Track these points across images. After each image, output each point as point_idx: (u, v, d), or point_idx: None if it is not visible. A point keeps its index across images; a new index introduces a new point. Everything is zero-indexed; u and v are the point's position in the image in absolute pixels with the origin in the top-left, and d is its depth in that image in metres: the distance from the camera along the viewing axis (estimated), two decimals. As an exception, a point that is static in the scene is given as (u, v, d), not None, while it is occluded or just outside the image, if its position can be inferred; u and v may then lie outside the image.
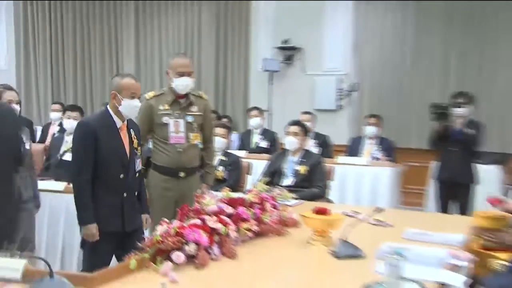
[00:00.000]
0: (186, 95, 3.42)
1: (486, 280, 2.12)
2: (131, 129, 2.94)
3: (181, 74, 3.31)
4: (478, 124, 4.87)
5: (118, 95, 2.82)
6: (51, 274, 1.74)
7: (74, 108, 4.97)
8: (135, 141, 2.93)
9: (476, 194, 4.79)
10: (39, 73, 8.71)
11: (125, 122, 2.90)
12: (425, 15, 6.57)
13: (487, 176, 5.57)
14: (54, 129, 5.99)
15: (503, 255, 2.56)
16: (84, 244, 2.88)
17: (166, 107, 3.35)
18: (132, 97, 2.84)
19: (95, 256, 2.81)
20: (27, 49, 8.74)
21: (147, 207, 3.07)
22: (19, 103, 3.35)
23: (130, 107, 2.85)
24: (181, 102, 3.40)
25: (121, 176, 2.83)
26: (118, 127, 2.86)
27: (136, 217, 2.93)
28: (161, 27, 7.99)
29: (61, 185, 3.82)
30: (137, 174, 2.96)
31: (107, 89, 8.27)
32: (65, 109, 5.12)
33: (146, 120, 3.36)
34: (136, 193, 2.97)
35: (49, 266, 1.76)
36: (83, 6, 8.40)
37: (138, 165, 2.96)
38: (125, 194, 2.86)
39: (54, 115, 6.11)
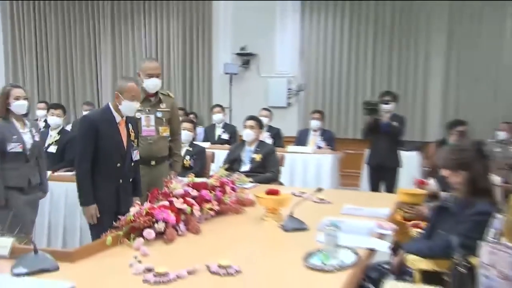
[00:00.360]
0: (155, 94, 3.36)
1: (406, 245, 2.21)
2: (130, 124, 2.89)
3: (150, 76, 3.26)
4: (401, 118, 5.00)
5: (120, 95, 2.77)
6: (35, 250, 1.70)
7: (57, 106, 4.80)
8: (132, 134, 2.89)
9: (400, 175, 4.93)
10: (26, 75, 8.33)
11: (124, 117, 2.84)
12: (358, 28, 6.67)
13: (409, 161, 5.75)
14: (40, 125, 5.78)
15: (419, 224, 2.67)
16: (91, 224, 2.85)
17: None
18: (132, 99, 2.79)
19: (101, 232, 2.76)
20: (15, 52, 8.34)
21: (140, 191, 2.99)
22: (27, 99, 3.22)
23: (130, 107, 2.81)
24: (151, 100, 3.35)
25: (118, 165, 2.79)
26: (117, 122, 2.81)
27: (129, 200, 2.83)
28: (134, 33, 7.79)
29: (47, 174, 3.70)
30: (132, 163, 2.92)
31: (88, 88, 8.06)
32: (49, 107, 4.93)
33: None
34: (130, 180, 2.92)
35: (33, 243, 1.72)
36: (64, 11, 8.05)
37: (136, 155, 2.92)
38: (120, 181, 2.82)
39: (40, 113, 5.87)
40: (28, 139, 3.16)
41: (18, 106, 3.13)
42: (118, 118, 2.81)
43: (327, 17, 6.79)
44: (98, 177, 2.76)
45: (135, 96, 2.81)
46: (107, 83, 7.98)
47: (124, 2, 7.78)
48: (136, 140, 2.94)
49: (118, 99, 2.79)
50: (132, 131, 2.89)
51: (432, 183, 3.16)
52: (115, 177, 2.81)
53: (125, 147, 2.83)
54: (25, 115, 3.30)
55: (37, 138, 3.27)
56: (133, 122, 2.96)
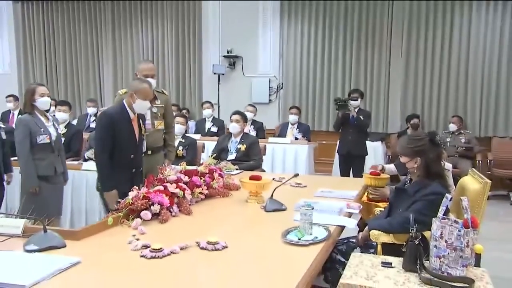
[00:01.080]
0: None
1: (370, 222, 2.24)
2: (140, 119, 2.87)
3: (146, 76, 3.21)
4: (367, 112, 5.06)
5: (134, 95, 2.73)
6: (45, 229, 1.69)
7: (63, 103, 4.73)
8: (143, 128, 2.88)
9: (366, 162, 5.00)
10: (36, 75, 8.16)
11: (136, 114, 2.81)
12: (330, 33, 6.67)
13: (374, 150, 5.85)
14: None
15: (382, 204, 2.71)
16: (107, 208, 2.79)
17: None
18: (145, 99, 2.77)
19: None
20: (26, 54, 8.17)
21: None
22: (49, 96, 3.19)
23: (142, 106, 2.78)
24: (147, 97, 3.30)
25: (132, 156, 2.76)
26: (131, 118, 2.77)
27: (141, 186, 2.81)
28: (133, 37, 7.67)
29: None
30: (142, 155, 2.92)
31: (91, 87, 7.93)
32: (56, 104, 4.85)
33: None
34: (141, 169, 2.90)
35: (43, 224, 1.70)
36: (70, 18, 7.89)
37: (144, 147, 2.93)
38: (133, 170, 2.79)
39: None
40: (52, 131, 3.16)
41: (43, 102, 3.11)
42: (131, 115, 2.78)
43: (303, 22, 6.78)
44: (115, 168, 2.70)
45: (147, 96, 2.79)
46: (109, 82, 7.87)
47: (124, 9, 7.65)
48: (144, 134, 2.93)
49: (132, 98, 2.74)
50: (142, 125, 2.88)
51: (390, 167, 3.20)
52: (129, 166, 2.78)
53: (137, 140, 2.82)
54: (47, 110, 3.26)
55: (59, 131, 3.27)
56: (142, 117, 2.94)
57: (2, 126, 3.51)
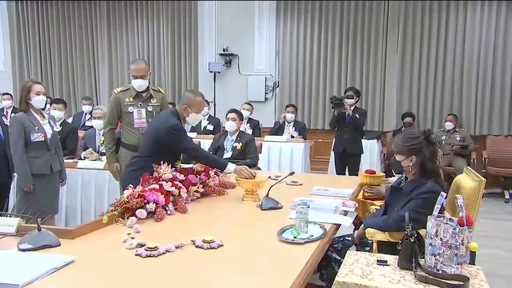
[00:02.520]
0: (147, 90, 3.30)
1: (365, 220, 2.24)
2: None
3: (135, 77, 3.20)
4: (362, 110, 5.06)
5: (188, 108, 2.71)
6: (39, 228, 1.67)
7: (59, 101, 4.70)
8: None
9: (362, 160, 5.01)
10: (31, 73, 8.09)
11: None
12: (326, 31, 6.67)
13: (370, 148, 5.86)
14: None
15: (377, 202, 2.71)
16: None
17: (131, 99, 3.23)
18: (198, 112, 2.76)
19: None
20: (20, 51, 8.10)
21: None
22: (45, 94, 3.13)
23: (196, 119, 2.79)
24: (143, 95, 3.28)
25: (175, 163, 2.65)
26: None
27: None
28: (128, 35, 7.62)
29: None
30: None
31: (87, 85, 7.88)
32: (52, 102, 4.82)
33: (115, 110, 3.23)
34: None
35: (37, 222, 1.69)
36: (65, 16, 7.83)
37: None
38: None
39: (44, 107, 5.72)
40: (48, 130, 3.12)
41: (38, 101, 3.07)
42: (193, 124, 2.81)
43: (299, 21, 6.77)
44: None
45: (201, 109, 2.78)
46: (104, 80, 7.83)
47: (119, 7, 7.61)
48: None
49: (186, 111, 2.71)
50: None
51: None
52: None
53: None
54: (43, 108, 3.22)
55: (55, 129, 3.24)
56: None
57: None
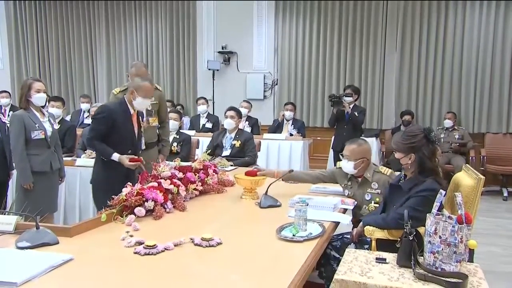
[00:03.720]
0: None
1: (364, 218, 2.24)
2: (140, 116, 2.88)
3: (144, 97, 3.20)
4: (361, 108, 5.06)
5: (135, 92, 2.74)
6: (37, 226, 1.67)
7: (57, 99, 4.69)
8: (142, 125, 2.89)
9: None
10: (29, 71, 8.05)
11: (136, 110, 2.83)
12: (325, 28, 6.65)
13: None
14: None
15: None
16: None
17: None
18: (145, 97, 2.77)
19: None
20: (18, 49, 8.06)
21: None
22: (45, 92, 3.12)
23: (142, 103, 2.80)
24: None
25: (129, 151, 2.74)
26: (131, 113, 2.78)
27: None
28: (127, 33, 7.59)
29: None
30: (140, 151, 2.91)
31: (85, 83, 7.86)
32: (50, 99, 4.81)
33: None
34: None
35: (35, 220, 1.68)
36: (63, 14, 7.80)
37: (142, 143, 2.91)
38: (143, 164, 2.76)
39: (42, 104, 5.70)
40: (48, 127, 3.11)
41: (38, 98, 3.05)
42: (131, 111, 2.78)
43: (298, 18, 6.76)
44: (112, 162, 2.69)
45: (148, 94, 2.79)
46: (103, 78, 7.80)
47: (117, 5, 7.58)
48: (142, 131, 2.93)
49: (132, 95, 2.75)
50: (142, 122, 2.89)
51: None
52: None
53: (136, 137, 2.82)
54: (43, 106, 3.21)
55: (55, 127, 3.23)
56: (141, 114, 2.94)
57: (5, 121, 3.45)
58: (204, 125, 6.05)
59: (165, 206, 2.13)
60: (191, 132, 5.27)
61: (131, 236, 1.74)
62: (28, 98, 3.04)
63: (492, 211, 4.92)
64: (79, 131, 4.64)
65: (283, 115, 5.78)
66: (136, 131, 2.82)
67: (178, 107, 6.54)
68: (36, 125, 3.03)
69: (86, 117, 5.98)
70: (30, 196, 2.99)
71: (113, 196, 2.06)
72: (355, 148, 2.52)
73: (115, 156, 2.66)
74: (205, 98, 6.34)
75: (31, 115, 3.03)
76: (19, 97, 3.10)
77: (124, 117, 2.75)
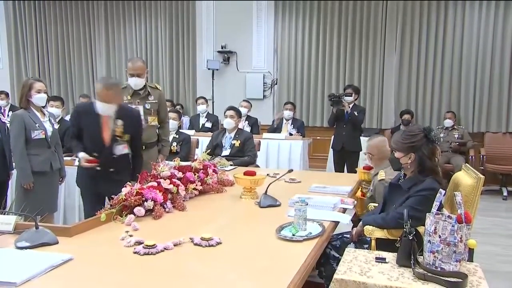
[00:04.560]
0: (144, 88, 3.30)
1: (364, 217, 2.25)
2: (119, 120, 2.67)
3: (131, 75, 3.20)
4: (361, 108, 5.06)
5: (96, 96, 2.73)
6: (36, 226, 1.67)
7: (56, 98, 4.68)
8: (119, 130, 2.66)
9: (361, 158, 5.00)
10: (28, 70, 8.06)
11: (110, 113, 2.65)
12: (325, 28, 6.65)
13: (369, 145, 5.83)
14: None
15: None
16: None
17: (128, 97, 3.23)
18: (102, 101, 2.63)
19: (86, 210, 2.90)
20: (18, 49, 8.06)
21: (135, 177, 2.49)
22: (46, 92, 3.11)
23: (103, 108, 2.64)
24: (140, 93, 3.28)
25: (95, 154, 2.68)
26: (98, 115, 2.66)
27: (112, 185, 2.32)
28: (126, 33, 7.59)
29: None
30: (115, 156, 2.70)
31: (84, 82, 7.86)
32: (49, 99, 4.80)
33: None
34: (112, 169, 2.70)
35: (35, 220, 1.68)
36: (63, 13, 7.80)
37: (122, 150, 2.72)
38: (98, 168, 2.67)
39: (41, 104, 5.69)
40: (48, 127, 3.10)
41: (39, 98, 3.05)
42: (100, 112, 2.65)
43: (298, 18, 6.76)
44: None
45: (104, 99, 2.62)
46: (102, 78, 7.82)
47: (117, 4, 7.58)
48: (125, 136, 2.71)
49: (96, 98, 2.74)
50: (122, 126, 2.67)
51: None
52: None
53: (104, 141, 2.67)
54: (43, 106, 3.20)
55: (56, 127, 3.22)
56: (127, 119, 2.71)
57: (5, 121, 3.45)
58: (203, 124, 6.05)
59: (165, 205, 2.13)
60: (191, 132, 5.27)
61: (131, 235, 1.74)
62: (29, 98, 3.03)
63: (492, 210, 4.92)
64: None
65: (278, 118, 5.74)
66: (105, 135, 2.66)
67: (178, 107, 6.53)
68: (37, 124, 3.03)
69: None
70: (30, 196, 2.99)
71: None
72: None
73: (79, 155, 2.70)
74: (204, 98, 6.34)
75: (31, 115, 3.03)
76: (19, 96, 3.10)
77: (90, 119, 2.67)
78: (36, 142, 3.02)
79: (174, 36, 7.34)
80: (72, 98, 7.92)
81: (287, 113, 5.69)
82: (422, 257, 1.74)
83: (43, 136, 3.04)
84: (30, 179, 3.00)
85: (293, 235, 1.79)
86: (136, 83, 3.21)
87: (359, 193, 2.89)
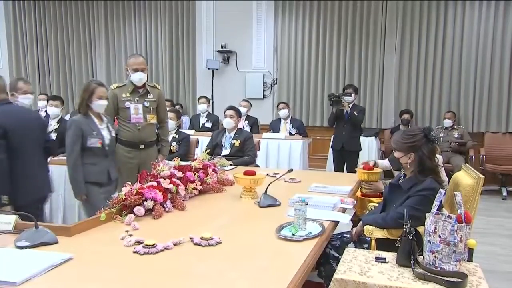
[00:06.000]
0: (143, 86, 3.30)
1: (363, 217, 2.25)
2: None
3: (136, 70, 3.19)
4: (361, 108, 5.06)
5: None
6: (36, 225, 1.67)
7: (56, 98, 4.70)
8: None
9: (360, 157, 5.00)
10: (28, 69, 8.07)
11: None
12: (325, 28, 6.66)
13: (368, 145, 5.86)
14: (41, 115, 5.59)
15: (375, 200, 2.71)
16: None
17: (127, 95, 3.24)
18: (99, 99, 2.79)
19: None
20: (17, 49, 8.06)
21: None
22: (107, 98, 2.93)
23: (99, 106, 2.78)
24: (139, 91, 3.29)
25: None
26: None
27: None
28: (126, 32, 7.60)
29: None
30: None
31: (84, 82, 7.81)
32: (48, 98, 4.80)
33: (112, 105, 3.22)
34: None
35: (35, 220, 1.68)
36: (62, 13, 7.81)
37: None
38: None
39: (41, 104, 5.68)
40: (106, 134, 2.89)
41: (99, 106, 2.86)
42: None
43: (298, 18, 6.76)
44: None
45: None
46: (102, 77, 7.79)
47: (116, 4, 7.58)
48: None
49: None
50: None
51: (383, 162, 3.16)
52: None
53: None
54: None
55: (114, 134, 3.00)
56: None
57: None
58: (203, 124, 6.05)
59: (165, 205, 2.13)
60: (191, 132, 5.27)
61: (131, 235, 1.73)
62: (89, 103, 2.84)
63: (492, 210, 4.93)
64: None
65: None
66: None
67: (177, 107, 6.53)
68: (94, 132, 2.82)
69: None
70: (88, 206, 2.78)
71: None
72: None
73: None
74: (206, 97, 6.34)
75: (90, 121, 2.83)
76: (79, 101, 2.89)
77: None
78: (91, 150, 2.80)
79: (174, 35, 7.34)
80: (72, 97, 7.93)
81: (283, 112, 5.69)
82: (422, 257, 1.74)
83: (100, 145, 2.82)
84: (83, 191, 2.79)
85: (293, 234, 1.78)
86: (141, 77, 3.22)
87: (359, 193, 2.89)
